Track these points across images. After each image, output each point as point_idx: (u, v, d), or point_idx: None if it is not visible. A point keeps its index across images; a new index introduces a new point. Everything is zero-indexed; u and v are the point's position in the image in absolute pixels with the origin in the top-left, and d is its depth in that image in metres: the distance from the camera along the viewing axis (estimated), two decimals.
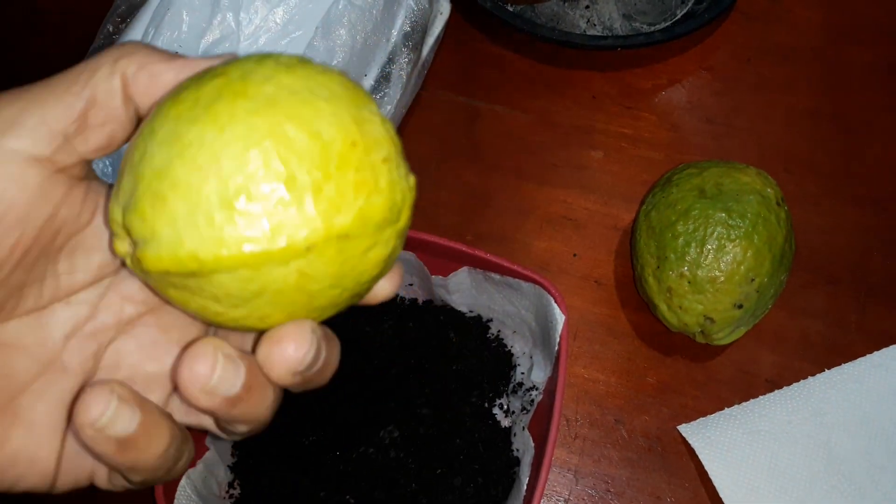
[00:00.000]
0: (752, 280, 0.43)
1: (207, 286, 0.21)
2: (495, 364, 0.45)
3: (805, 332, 0.48)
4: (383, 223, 0.21)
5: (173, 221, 0.20)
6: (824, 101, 0.56)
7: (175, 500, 0.38)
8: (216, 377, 0.21)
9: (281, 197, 0.20)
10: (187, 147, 0.20)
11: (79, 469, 0.24)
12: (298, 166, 0.20)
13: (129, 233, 0.21)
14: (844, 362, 0.47)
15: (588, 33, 0.57)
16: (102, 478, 0.24)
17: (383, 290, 0.24)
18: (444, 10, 0.55)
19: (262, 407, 0.22)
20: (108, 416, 0.20)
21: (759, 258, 0.43)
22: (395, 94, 0.51)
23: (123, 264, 0.25)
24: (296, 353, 0.21)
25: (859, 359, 0.47)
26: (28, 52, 0.59)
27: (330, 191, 0.20)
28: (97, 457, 0.22)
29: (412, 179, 0.23)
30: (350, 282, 0.22)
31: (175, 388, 0.24)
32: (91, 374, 0.24)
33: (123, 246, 0.22)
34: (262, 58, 0.22)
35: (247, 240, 0.20)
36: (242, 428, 0.23)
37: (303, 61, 0.22)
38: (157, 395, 0.25)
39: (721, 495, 0.43)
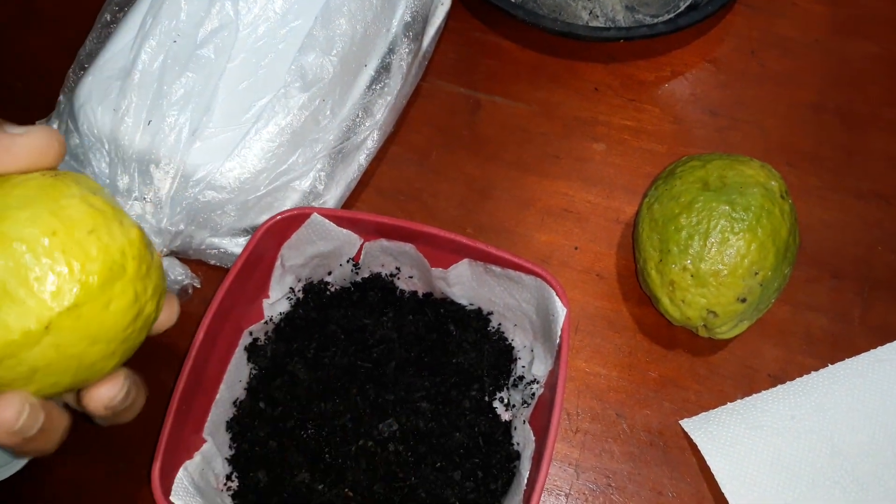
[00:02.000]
0: (756, 273, 0.42)
1: None
2: (496, 357, 0.45)
3: (809, 326, 0.48)
4: (107, 283, 0.26)
5: None
6: (829, 93, 0.55)
7: (172, 493, 0.38)
8: (20, 423, 0.25)
9: (3, 300, 0.24)
10: None
11: None
12: (10, 274, 0.24)
13: None
14: (848, 357, 0.46)
15: (591, 24, 0.57)
16: None
17: (162, 323, 0.31)
18: None
19: (51, 443, 0.28)
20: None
21: (762, 251, 0.42)
22: (396, 84, 0.50)
23: None
24: (108, 392, 0.28)
25: (863, 354, 0.46)
26: (23, 46, 0.59)
27: (48, 279, 0.25)
28: None
29: (134, 232, 0.28)
30: (109, 334, 0.26)
31: None
32: None
33: None
34: None
35: None
36: (28, 456, 0.29)
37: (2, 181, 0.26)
38: None
39: (723, 490, 0.43)
